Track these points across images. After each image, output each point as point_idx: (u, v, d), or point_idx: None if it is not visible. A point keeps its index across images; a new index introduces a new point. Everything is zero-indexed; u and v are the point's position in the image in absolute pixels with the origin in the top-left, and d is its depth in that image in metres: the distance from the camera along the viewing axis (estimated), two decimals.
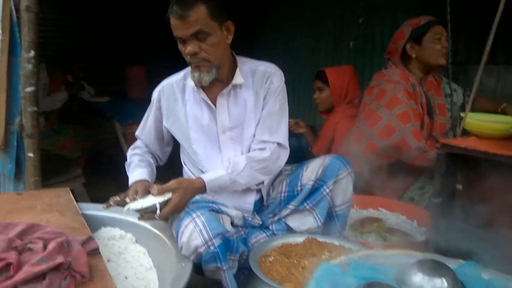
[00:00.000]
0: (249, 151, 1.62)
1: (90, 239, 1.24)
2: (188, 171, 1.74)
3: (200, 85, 1.56)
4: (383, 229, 1.84)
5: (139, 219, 1.43)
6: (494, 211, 1.10)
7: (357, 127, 2.25)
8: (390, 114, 2.06)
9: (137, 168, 1.65)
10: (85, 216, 1.57)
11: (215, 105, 1.61)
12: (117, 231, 1.61)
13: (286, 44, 4.35)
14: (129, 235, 1.61)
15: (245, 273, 1.48)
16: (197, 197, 1.63)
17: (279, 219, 1.67)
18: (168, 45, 4.65)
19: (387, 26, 3.22)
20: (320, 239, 1.55)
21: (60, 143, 3.30)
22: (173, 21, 1.43)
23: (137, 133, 1.82)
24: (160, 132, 1.76)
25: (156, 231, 1.55)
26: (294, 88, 4.09)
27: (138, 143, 1.81)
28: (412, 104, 2.07)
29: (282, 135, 1.62)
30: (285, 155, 1.64)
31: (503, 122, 1.09)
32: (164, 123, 1.71)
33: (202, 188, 1.48)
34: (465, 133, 1.29)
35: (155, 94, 1.73)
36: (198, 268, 1.41)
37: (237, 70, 1.60)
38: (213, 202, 1.56)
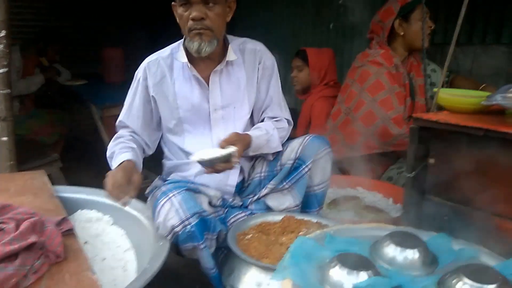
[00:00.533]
0: (241, 131, 1.62)
1: (64, 219, 1.23)
2: (170, 155, 1.70)
3: (197, 56, 1.50)
4: (359, 207, 1.88)
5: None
6: (465, 184, 1.13)
7: (338, 109, 2.27)
8: (372, 99, 2.07)
9: (119, 155, 1.50)
10: (61, 199, 1.55)
11: (207, 83, 1.58)
12: (94, 214, 1.59)
13: (266, 26, 4.31)
14: (106, 217, 1.59)
15: (224, 252, 1.49)
16: (177, 177, 1.62)
17: (258, 199, 1.67)
18: (146, 26, 4.59)
19: (367, 6, 3.21)
20: (298, 217, 1.56)
21: (36, 128, 3.22)
22: None
23: (121, 118, 1.65)
24: (149, 113, 1.64)
25: (134, 213, 1.54)
26: None
27: (121, 132, 1.64)
28: (395, 88, 2.09)
29: (288, 112, 1.74)
30: (290, 129, 1.74)
31: (474, 96, 1.12)
32: (152, 102, 1.63)
33: (249, 143, 1.52)
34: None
35: (139, 72, 1.62)
36: (177, 249, 1.41)
37: (229, 47, 1.59)
38: (192, 183, 1.56)
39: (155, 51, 1.67)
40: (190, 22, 1.45)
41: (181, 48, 1.58)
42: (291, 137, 1.73)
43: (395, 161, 2.25)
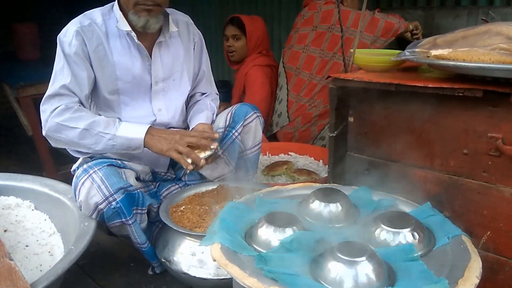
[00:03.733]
0: (180, 103, 1.60)
1: None
2: None
3: (142, 31, 1.42)
4: (291, 170, 1.93)
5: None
6: (383, 139, 1.20)
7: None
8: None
9: (132, 124, 1.40)
10: None
11: (149, 54, 1.49)
12: (12, 200, 1.49)
13: None
14: (27, 202, 1.49)
15: (159, 226, 1.47)
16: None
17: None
18: None
19: None
20: (232, 184, 1.57)
21: None
22: None
23: (59, 86, 1.38)
24: (90, 83, 1.43)
25: (56, 195, 1.46)
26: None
27: (67, 103, 1.37)
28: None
29: (214, 85, 1.78)
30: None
31: (385, 54, 1.17)
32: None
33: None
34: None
35: (71, 38, 1.39)
36: (107, 228, 1.36)
37: (170, 18, 1.51)
38: (119, 159, 1.49)
39: None
40: None
41: (120, 16, 1.43)
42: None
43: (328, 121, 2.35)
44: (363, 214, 1.04)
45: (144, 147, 1.37)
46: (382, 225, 0.92)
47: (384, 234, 0.91)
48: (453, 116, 1.06)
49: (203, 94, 1.72)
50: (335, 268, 0.77)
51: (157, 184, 1.59)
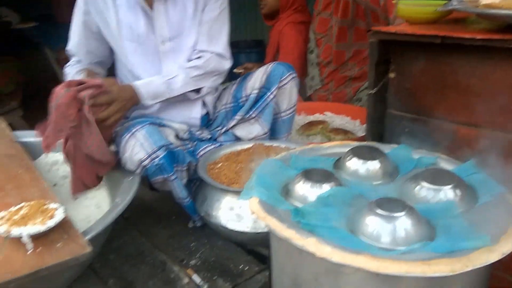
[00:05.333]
0: None
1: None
2: None
3: None
4: (327, 130, 1.91)
5: None
6: (426, 95, 1.15)
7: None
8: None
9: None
10: (24, 144, 1.51)
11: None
12: (59, 156, 1.56)
13: None
14: None
15: (196, 184, 1.51)
16: (139, 114, 1.58)
17: (227, 130, 1.67)
18: None
19: None
20: (267, 143, 1.58)
21: None
22: None
23: (67, 47, 1.61)
24: (92, 40, 1.55)
25: None
26: None
27: (70, 62, 1.61)
28: None
29: (222, 45, 1.57)
30: (226, 64, 1.59)
31: (430, 5, 1.10)
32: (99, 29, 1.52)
33: (131, 96, 1.38)
34: None
35: None
36: (149, 183, 1.42)
37: None
38: (156, 118, 1.53)
39: None
40: None
41: None
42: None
43: (364, 80, 2.27)
44: (403, 172, 1.03)
45: None
46: (422, 182, 0.90)
47: (424, 191, 0.89)
48: (502, 70, 0.99)
49: (200, 52, 1.54)
50: (373, 223, 0.77)
51: (194, 143, 1.62)
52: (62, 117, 1.18)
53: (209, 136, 1.67)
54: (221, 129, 1.68)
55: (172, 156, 1.32)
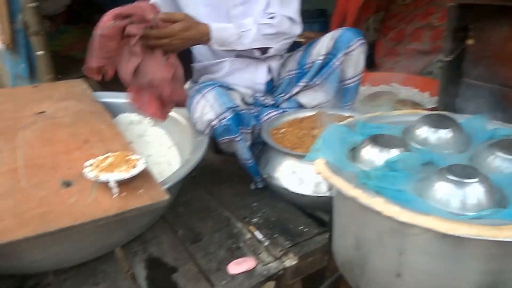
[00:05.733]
0: None
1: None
2: (198, 56, 1.70)
3: None
4: (394, 101, 1.86)
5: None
6: (507, 64, 1.09)
7: None
8: None
9: None
10: (103, 104, 1.62)
11: None
12: (135, 117, 1.68)
13: None
14: (147, 119, 1.67)
15: (259, 148, 1.56)
16: (207, 79, 1.65)
17: (290, 97, 1.69)
18: None
19: None
20: (331, 111, 1.58)
21: (68, 44, 3.26)
22: None
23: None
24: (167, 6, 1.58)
25: (174, 114, 1.60)
26: None
27: None
28: None
29: (294, 9, 1.57)
30: (296, 29, 1.58)
31: None
32: None
33: (206, 33, 1.40)
34: None
35: None
36: (215, 145, 1.48)
37: None
38: (224, 82, 1.58)
39: None
40: None
41: None
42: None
43: (435, 54, 2.17)
44: (476, 142, 0.99)
45: None
46: (497, 152, 0.88)
47: (498, 161, 0.87)
48: None
49: (270, 14, 1.52)
50: (443, 188, 0.77)
51: (258, 109, 1.66)
52: (103, 47, 1.23)
53: (272, 102, 1.70)
54: (285, 95, 1.70)
55: (238, 118, 1.37)
